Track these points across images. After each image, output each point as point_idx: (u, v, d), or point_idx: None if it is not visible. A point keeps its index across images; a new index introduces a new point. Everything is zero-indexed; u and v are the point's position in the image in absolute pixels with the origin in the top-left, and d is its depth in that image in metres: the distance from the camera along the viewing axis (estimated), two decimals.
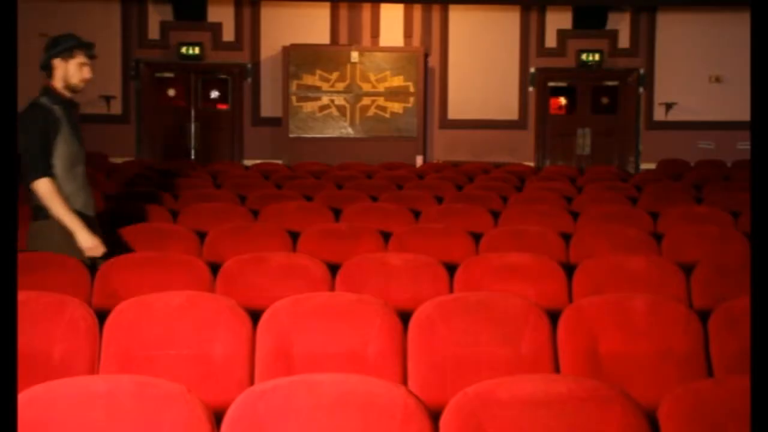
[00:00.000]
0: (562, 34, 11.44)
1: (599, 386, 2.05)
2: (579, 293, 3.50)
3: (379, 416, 1.95)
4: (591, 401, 2.00)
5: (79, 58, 3.72)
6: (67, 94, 3.73)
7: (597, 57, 11.35)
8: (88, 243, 3.63)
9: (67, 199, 3.64)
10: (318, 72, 11.01)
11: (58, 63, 3.70)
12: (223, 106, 11.66)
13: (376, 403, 1.97)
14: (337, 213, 5.45)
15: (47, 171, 3.60)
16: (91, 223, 3.75)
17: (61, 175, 3.65)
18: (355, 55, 11.04)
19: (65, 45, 3.70)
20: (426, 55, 11.24)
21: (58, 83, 3.71)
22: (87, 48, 3.75)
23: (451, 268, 3.65)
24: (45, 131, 3.60)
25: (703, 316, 2.88)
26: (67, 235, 3.62)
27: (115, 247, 3.91)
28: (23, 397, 1.92)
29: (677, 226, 4.95)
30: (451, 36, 11.38)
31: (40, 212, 3.66)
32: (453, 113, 11.42)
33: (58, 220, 3.62)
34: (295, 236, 4.53)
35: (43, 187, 3.59)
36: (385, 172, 8.37)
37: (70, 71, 3.70)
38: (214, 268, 3.61)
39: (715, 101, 11.26)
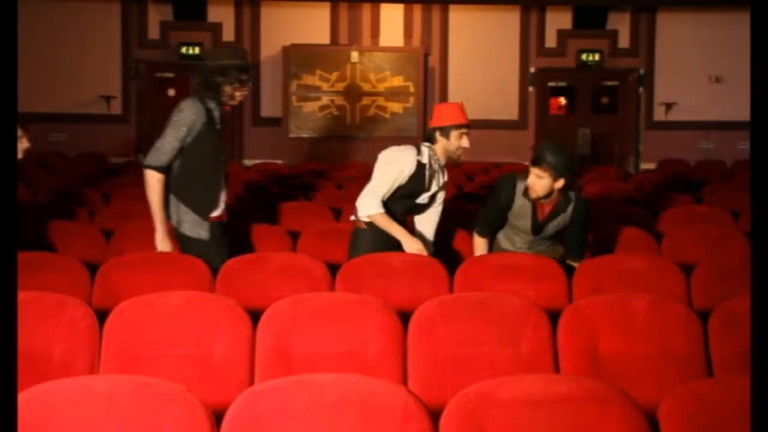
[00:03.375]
0: (562, 34, 11.44)
1: (599, 386, 2.05)
2: (579, 293, 3.50)
3: (379, 416, 1.95)
4: (591, 401, 2.00)
5: None
6: None
7: (597, 57, 11.35)
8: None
9: None
10: (318, 72, 11.00)
11: None
12: None
13: (376, 403, 1.97)
14: (337, 213, 5.45)
15: None
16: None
17: None
18: (355, 55, 11.04)
19: None
20: (426, 55, 11.24)
21: None
22: None
23: (451, 268, 3.65)
24: None
25: (703, 316, 2.88)
26: None
27: None
28: (23, 397, 1.92)
29: (677, 226, 4.95)
30: (451, 36, 11.38)
31: None
32: None
33: None
34: (295, 236, 4.53)
35: None
36: None
37: None
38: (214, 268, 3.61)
39: (715, 101, 11.26)
